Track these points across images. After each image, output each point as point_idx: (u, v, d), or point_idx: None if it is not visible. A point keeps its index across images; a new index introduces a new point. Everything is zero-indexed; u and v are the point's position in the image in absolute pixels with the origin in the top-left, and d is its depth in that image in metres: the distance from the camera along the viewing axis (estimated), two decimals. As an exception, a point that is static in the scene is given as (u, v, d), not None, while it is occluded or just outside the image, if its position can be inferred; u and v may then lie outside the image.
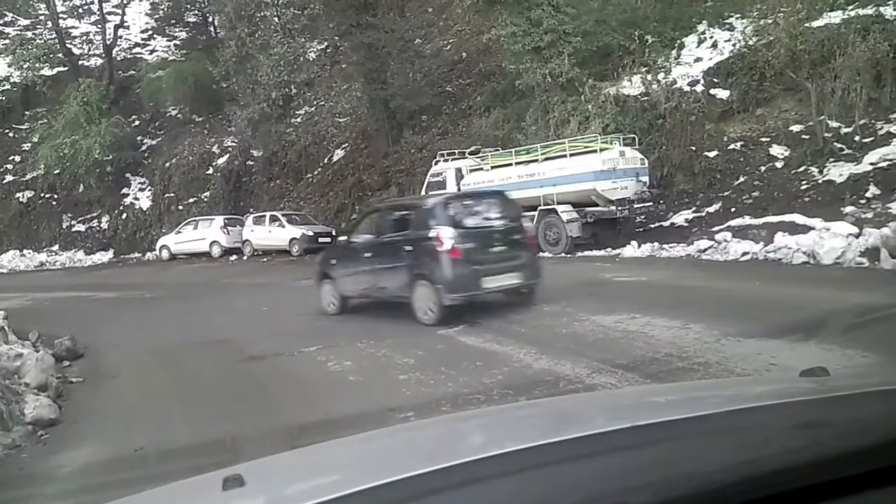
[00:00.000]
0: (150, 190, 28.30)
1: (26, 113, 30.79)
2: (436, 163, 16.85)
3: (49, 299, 16.09)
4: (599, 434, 1.16)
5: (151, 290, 16.61)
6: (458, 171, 16.03)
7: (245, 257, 22.63)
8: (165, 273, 21.37)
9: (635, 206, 13.40)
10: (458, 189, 15.86)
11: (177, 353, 7.93)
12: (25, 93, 31.03)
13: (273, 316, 10.37)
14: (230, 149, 27.54)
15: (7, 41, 31.64)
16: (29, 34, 32.63)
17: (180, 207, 27.00)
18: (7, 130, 30.70)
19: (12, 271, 25.87)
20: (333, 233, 21.84)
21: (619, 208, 13.18)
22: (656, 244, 12.19)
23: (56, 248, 27.56)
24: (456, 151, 16.67)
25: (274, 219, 22.36)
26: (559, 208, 13.69)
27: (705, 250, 11.01)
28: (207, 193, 26.97)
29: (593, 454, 1.05)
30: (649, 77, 17.06)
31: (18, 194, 28.60)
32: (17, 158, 29.63)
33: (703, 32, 18.01)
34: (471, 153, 16.37)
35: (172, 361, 7.63)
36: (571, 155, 13.77)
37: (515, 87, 18.08)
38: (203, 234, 23.79)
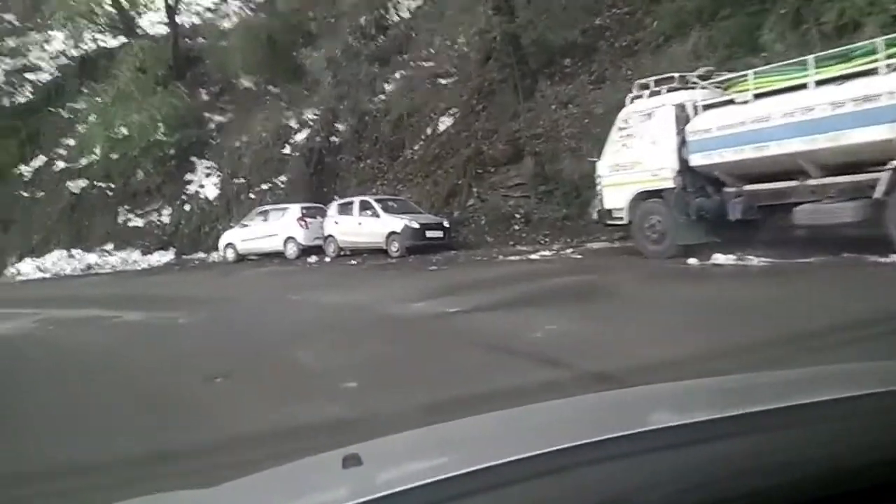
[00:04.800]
0: (217, 175, 23.32)
1: (83, 91, 26.36)
2: (632, 99, 10.21)
3: (61, 321, 11.84)
4: (690, 424, 1.05)
5: (193, 308, 11.51)
6: (681, 107, 9.38)
7: (328, 258, 17.02)
8: (223, 281, 16.03)
9: None
10: (682, 141, 9.30)
11: None
12: (82, 66, 26.89)
13: (366, 401, 4.30)
14: (311, 122, 22.11)
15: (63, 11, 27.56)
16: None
17: (252, 195, 21.84)
18: (60, 109, 26.42)
19: (56, 275, 21.63)
20: (446, 224, 15.93)
21: None
22: None
23: (110, 246, 22.97)
24: (675, 76, 9.86)
25: (365, 206, 16.60)
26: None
27: None
28: (284, 177, 21.67)
29: (679, 445, 0.95)
30: None
31: (70, 183, 24.27)
32: (72, 142, 25.39)
33: None
34: (701, 77, 9.64)
35: None
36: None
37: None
38: (275, 229, 18.30)
